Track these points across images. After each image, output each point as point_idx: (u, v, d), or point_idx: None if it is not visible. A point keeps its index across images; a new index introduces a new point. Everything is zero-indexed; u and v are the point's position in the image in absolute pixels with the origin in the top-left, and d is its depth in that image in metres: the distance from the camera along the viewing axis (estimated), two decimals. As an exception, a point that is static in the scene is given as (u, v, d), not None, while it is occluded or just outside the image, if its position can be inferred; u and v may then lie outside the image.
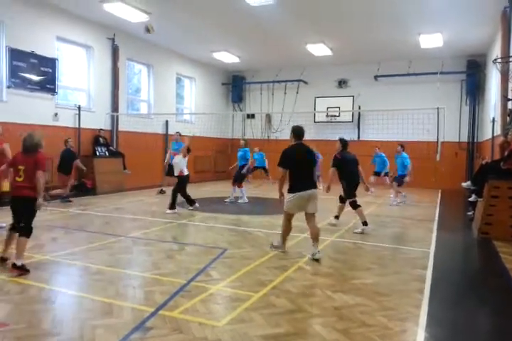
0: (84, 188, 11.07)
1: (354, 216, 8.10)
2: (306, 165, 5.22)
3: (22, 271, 4.29)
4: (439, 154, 9.83)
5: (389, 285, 4.20)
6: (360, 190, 7.24)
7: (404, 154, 10.46)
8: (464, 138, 14.92)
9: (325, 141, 15.50)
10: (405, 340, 3.07)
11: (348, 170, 6.95)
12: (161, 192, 11.77)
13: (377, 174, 12.06)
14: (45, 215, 7.60)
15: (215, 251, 5.41)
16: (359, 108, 15.87)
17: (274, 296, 3.80)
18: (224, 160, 17.32)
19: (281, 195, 5.25)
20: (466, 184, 8.22)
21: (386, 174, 12.01)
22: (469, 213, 8.46)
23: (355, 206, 6.94)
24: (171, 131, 14.47)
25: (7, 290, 3.81)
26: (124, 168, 12.14)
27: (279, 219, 7.85)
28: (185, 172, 8.72)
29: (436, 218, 8.50)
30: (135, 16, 10.78)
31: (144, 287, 4.02)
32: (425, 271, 4.70)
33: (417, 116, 11.82)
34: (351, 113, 16.10)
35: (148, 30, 11.41)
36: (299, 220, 7.88)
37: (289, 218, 5.32)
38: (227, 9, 10.45)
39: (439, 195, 12.83)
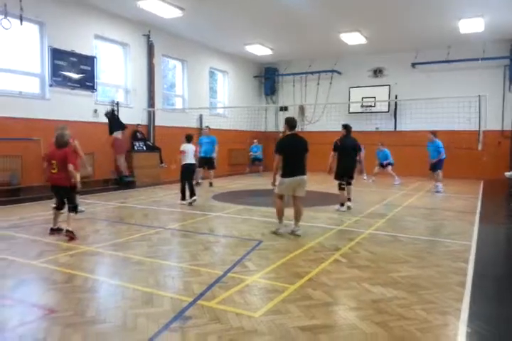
0: (124, 179, 11.39)
1: (386, 207, 7.99)
2: (298, 153, 5.86)
3: (72, 234, 5.49)
4: (480, 143, 9.46)
5: (428, 279, 4.10)
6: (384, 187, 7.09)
7: (437, 141, 10.51)
8: (508, 127, 14.20)
9: (360, 132, 15.21)
10: (446, 334, 3.00)
11: (345, 155, 7.83)
12: (197, 184, 11.99)
13: (382, 165, 12.86)
14: (89, 208, 7.92)
15: (250, 243, 5.46)
16: (396, 97, 15.44)
17: (310, 288, 3.80)
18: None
19: (274, 180, 6.01)
20: (509, 173, 7.90)
21: (389, 164, 12.81)
22: (514, 205, 8.11)
23: (340, 188, 7.94)
24: (205, 125, 14.64)
25: (54, 279, 4.01)
26: (161, 162, 12.45)
27: (314, 212, 7.85)
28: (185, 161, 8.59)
29: (478, 210, 8.19)
30: (169, 12, 10.93)
31: (182, 277, 4.13)
32: (466, 265, 4.56)
33: (457, 105, 11.40)
34: (387, 103, 15.69)
35: None
36: (335, 213, 7.83)
37: (280, 198, 5.97)
38: (259, 1, 10.40)
39: (481, 185, 12.34)
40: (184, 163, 8.54)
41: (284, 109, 18.16)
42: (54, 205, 5.97)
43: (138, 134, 12.27)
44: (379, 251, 5.11)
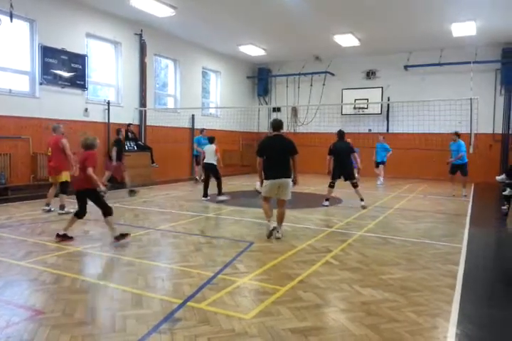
0: (114, 181, 11.29)
1: (378, 209, 8.02)
2: (280, 154, 5.75)
3: (122, 237, 5.29)
4: (472, 146, 9.51)
5: (419, 281, 4.11)
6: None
7: (461, 141, 10.46)
8: (499, 130, 14.36)
9: (352, 134, 15.25)
10: (436, 337, 3.00)
11: (339, 158, 8.46)
12: (196, 181, 12.88)
13: (378, 164, 13.08)
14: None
15: (241, 244, 5.44)
16: (388, 99, 15.53)
17: (301, 290, 3.79)
18: (251, 154, 17.31)
19: (261, 182, 5.95)
20: (500, 177, 7.96)
21: (383, 162, 13.10)
22: (504, 208, 8.16)
23: (330, 185, 8.69)
24: (197, 125, 14.60)
25: (42, 280, 3.95)
26: (152, 162, 12.35)
27: (306, 213, 7.85)
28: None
29: (469, 212, 8.25)
30: (161, 11, 10.88)
31: (172, 279, 4.09)
32: (457, 267, 4.57)
33: (449, 107, 11.47)
34: (380, 105, 15.77)
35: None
36: (326, 215, 7.83)
37: (265, 200, 5.93)
38: (253, 2, 10.39)
39: (472, 188, 12.44)
40: (205, 161, 9.30)
41: (277, 110, 18.17)
42: (74, 210, 5.67)
43: (129, 134, 12.17)
44: (370, 254, 5.11)
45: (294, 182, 5.93)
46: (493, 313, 3.49)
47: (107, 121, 11.60)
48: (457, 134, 10.62)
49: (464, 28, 12.03)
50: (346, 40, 13.62)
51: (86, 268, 4.48)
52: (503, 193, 7.69)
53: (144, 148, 12.42)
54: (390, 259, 4.89)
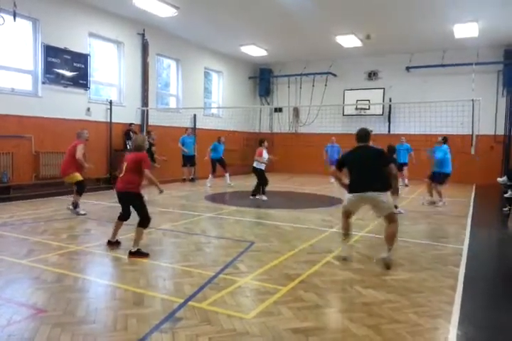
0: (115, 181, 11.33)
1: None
2: (367, 166, 4.74)
3: (138, 255, 4.68)
4: (473, 148, 9.50)
5: (420, 282, 4.11)
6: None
7: (445, 146, 9.04)
8: (501, 131, 14.32)
9: (354, 135, 15.19)
10: (437, 338, 3.00)
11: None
12: (192, 180, 13.25)
13: (401, 166, 12.48)
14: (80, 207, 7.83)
15: (242, 244, 5.44)
16: (390, 100, 15.51)
17: (302, 290, 3.79)
18: (252, 154, 17.34)
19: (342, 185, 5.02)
20: (502, 179, 7.95)
21: (405, 164, 12.69)
22: (505, 209, 8.17)
23: None
24: (199, 125, 14.62)
25: (44, 279, 3.96)
26: (154, 162, 12.36)
27: (307, 213, 7.85)
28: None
29: (471, 214, 8.24)
30: (164, 11, 10.89)
31: (173, 278, 4.09)
32: (458, 268, 4.57)
33: (451, 109, 11.47)
34: (382, 106, 15.75)
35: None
36: (327, 215, 7.82)
37: (344, 215, 4.98)
38: (256, 2, 10.39)
39: (474, 189, 12.43)
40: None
41: (279, 110, 18.17)
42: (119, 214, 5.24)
43: (131, 133, 12.18)
44: (372, 254, 5.11)
45: (394, 193, 5.18)
46: (494, 314, 3.49)
47: (109, 120, 11.61)
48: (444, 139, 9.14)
49: (466, 30, 12.01)
50: (348, 40, 13.60)
51: (88, 267, 4.49)
52: (505, 195, 7.69)
53: (145, 148, 12.46)
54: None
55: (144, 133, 11.98)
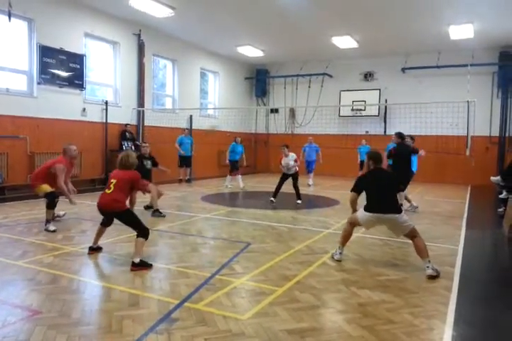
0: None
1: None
2: (385, 189, 4.72)
3: (141, 267, 4.32)
4: (469, 149, 9.55)
5: (415, 282, 4.13)
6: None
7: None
8: (495, 132, 14.41)
9: (349, 136, 15.34)
10: (432, 338, 3.01)
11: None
12: (188, 181, 13.12)
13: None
14: (74, 208, 7.81)
15: (238, 245, 5.44)
16: (386, 101, 15.56)
17: (298, 291, 3.79)
18: (248, 155, 17.34)
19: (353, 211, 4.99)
20: (495, 179, 7.98)
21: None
22: (500, 210, 8.21)
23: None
24: (195, 126, 14.61)
25: (39, 280, 3.94)
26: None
27: (303, 214, 7.86)
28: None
29: (466, 215, 8.28)
30: (160, 11, 10.88)
31: (169, 279, 4.08)
32: (453, 269, 4.59)
33: (447, 110, 11.53)
34: (377, 107, 15.81)
35: None
36: (323, 216, 7.84)
37: (350, 224, 4.98)
38: (252, 3, 10.41)
39: (469, 190, 12.50)
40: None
41: (275, 111, 18.21)
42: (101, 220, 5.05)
43: (127, 134, 12.17)
44: (367, 255, 5.13)
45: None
46: (489, 315, 3.50)
47: (104, 121, 11.58)
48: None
49: (461, 31, 12.08)
50: (344, 42, 13.65)
51: (83, 268, 4.47)
52: (500, 196, 7.72)
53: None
54: (387, 260, 4.91)
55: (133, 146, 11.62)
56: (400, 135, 8.42)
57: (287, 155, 9.06)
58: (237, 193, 11.05)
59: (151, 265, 4.43)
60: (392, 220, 4.58)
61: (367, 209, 4.69)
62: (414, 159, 8.98)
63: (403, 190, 6.68)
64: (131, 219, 4.62)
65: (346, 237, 4.96)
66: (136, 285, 3.86)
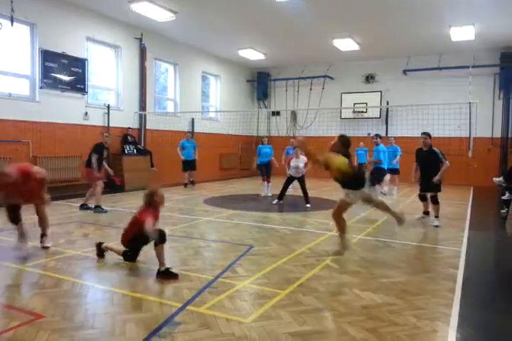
0: (114, 185, 11.31)
1: (377, 213, 8.01)
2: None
3: (167, 276, 4.14)
4: (471, 150, 9.53)
5: (419, 285, 4.11)
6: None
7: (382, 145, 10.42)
8: (497, 134, 14.39)
9: (351, 138, 15.16)
10: (436, 340, 3.00)
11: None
12: (192, 183, 12.94)
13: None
14: (77, 211, 7.83)
15: (241, 248, 5.43)
16: (387, 103, 15.56)
17: (301, 294, 3.78)
18: (250, 158, 17.37)
19: None
20: (498, 180, 7.97)
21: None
22: (503, 211, 8.18)
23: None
24: (197, 129, 14.64)
25: (42, 284, 3.94)
26: (152, 166, 12.41)
27: (306, 217, 7.85)
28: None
29: (468, 216, 8.25)
30: (162, 15, 10.92)
31: (172, 282, 4.07)
32: (456, 271, 4.57)
33: (448, 111, 11.51)
34: (379, 109, 15.81)
35: None
36: (326, 218, 7.82)
37: None
38: (253, 6, 10.44)
39: (471, 192, 12.46)
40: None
41: (277, 113, 18.22)
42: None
43: (129, 137, 12.20)
44: (370, 257, 5.11)
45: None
46: (492, 317, 3.49)
47: (106, 125, 11.61)
48: (379, 136, 10.47)
49: (462, 33, 12.08)
50: (346, 44, 13.66)
51: (86, 272, 4.47)
52: (502, 198, 7.70)
53: (143, 152, 12.45)
54: (389, 263, 4.89)
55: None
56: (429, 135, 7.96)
57: (299, 157, 9.02)
58: (240, 196, 11.04)
59: (177, 275, 4.16)
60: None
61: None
62: (385, 155, 10.20)
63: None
64: (140, 244, 4.53)
65: (342, 228, 5.06)
66: (139, 289, 3.85)
